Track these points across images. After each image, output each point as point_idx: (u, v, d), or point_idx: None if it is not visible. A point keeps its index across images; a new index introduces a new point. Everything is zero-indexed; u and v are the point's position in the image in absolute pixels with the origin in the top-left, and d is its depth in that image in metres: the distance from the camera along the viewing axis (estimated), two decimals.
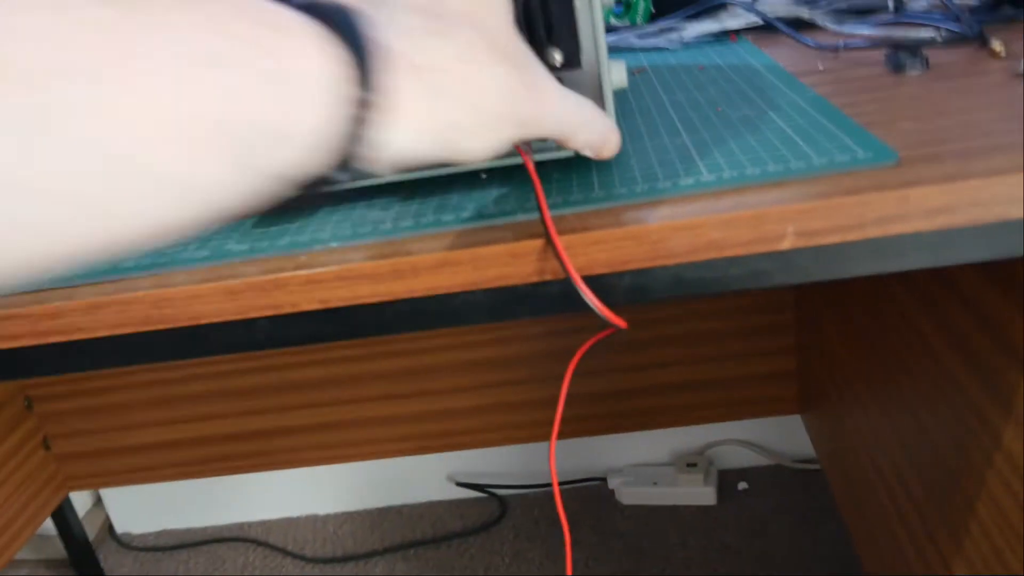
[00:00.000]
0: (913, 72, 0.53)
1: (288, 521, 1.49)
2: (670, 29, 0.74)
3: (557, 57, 0.39)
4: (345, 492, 1.48)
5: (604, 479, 1.39)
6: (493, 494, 1.44)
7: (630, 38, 0.73)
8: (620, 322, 0.37)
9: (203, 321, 0.40)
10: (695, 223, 0.37)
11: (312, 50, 0.25)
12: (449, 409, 1.31)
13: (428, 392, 1.29)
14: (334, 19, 0.26)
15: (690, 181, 0.40)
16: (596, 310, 0.37)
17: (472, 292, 0.39)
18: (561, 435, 1.32)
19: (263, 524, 1.50)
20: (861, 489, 0.92)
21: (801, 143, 0.42)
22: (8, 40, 0.18)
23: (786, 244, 0.37)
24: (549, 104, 0.34)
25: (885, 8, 0.69)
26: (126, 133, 0.20)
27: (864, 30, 0.64)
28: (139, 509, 1.51)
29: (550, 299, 0.40)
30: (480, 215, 0.41)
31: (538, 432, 1.33)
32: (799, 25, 0.69)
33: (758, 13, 0.67)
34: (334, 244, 0.41)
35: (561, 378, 1.25)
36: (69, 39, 0.19)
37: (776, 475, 1.36)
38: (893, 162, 0.39)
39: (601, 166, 0.44)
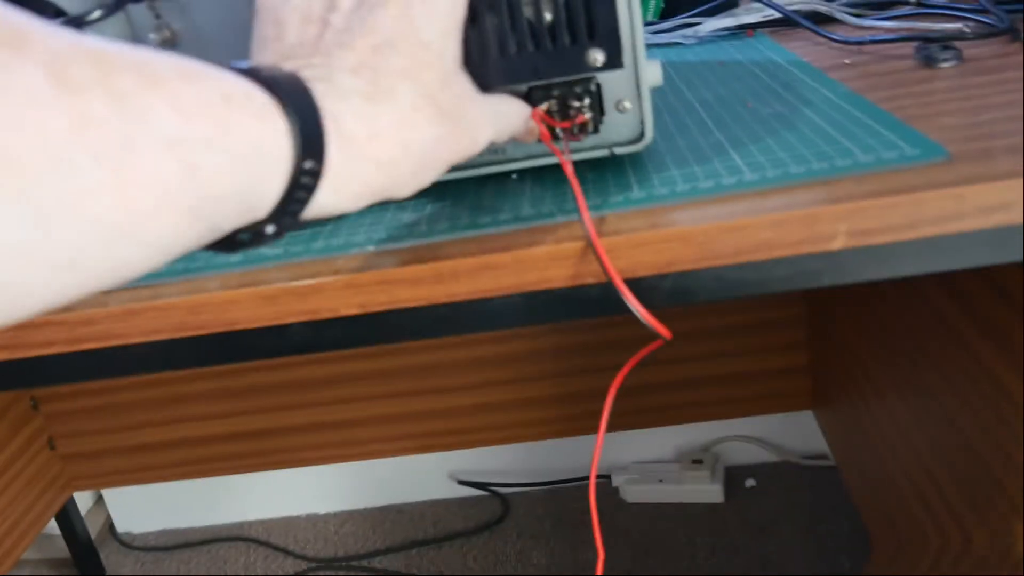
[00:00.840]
0: (946, 65, 0.52)
1: (289, 520, 1.48)
2: (685, 25, 0.73)
3: (599, 58, 0.38)
4: (346, 491, 1.47)
5: (608, 477, 1.39)
6: (496, 493, 1.43)
7: (644, 34, 0.72)
8: (665, 332, 0.37)
9: (239, 327, 0.39)
10: (745, 223, 0.36)
11: (261, 123, 0.27)
12: (451, 407, 1.30)
13: (429, 390, 1.29)
14: (280, 88, 0.28)
15: (733, 180, 0.40)
16: (640, 316, 0.36)
17: (510, 296, 0.39)
18: (565, 433, 1.32)
19: (264, 523, 1.48)
20: (879, 481, 0.92)
21: (842, 139, 0.42)
22: (17, 133, 0.21)
23: (838, 244, 0.37)
24: (481, 132, 0.36)
25: (906, 1, 0.68)
26: (122, 210, 0.23)
27: (887, 23, 0.64)
28: (140, 508, 1.50)
29: (590, 302, 0.39)
30: (517, 218, 0.40)
31: (541, 430, 1.32)
32: (817, 19, 0.68)
33: (776, 7, 0.66)
34: (371, 248, 0.40)
35: (567, 374, 1.25)
36: (72, 133, 0.22)
37: (784, 472, 1.36)
38: (944, 159, 0.38)
39: (637, 165, 0.44)
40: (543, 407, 1.30)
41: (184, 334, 0.39)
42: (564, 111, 0.41)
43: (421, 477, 1.44)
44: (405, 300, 0.38)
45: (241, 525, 1.49)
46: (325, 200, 0.30)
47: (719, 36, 0.70)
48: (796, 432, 1.34)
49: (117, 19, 0.41)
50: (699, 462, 1.34)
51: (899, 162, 0.38)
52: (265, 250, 0.42)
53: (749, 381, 1.23)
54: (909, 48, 0.58)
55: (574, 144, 0.43)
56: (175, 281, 0.40)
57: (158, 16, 0.41)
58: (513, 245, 0.37)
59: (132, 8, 0.41)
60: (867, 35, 0.62)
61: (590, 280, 0.38)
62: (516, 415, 1.30)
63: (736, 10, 0.71)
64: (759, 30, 0.70)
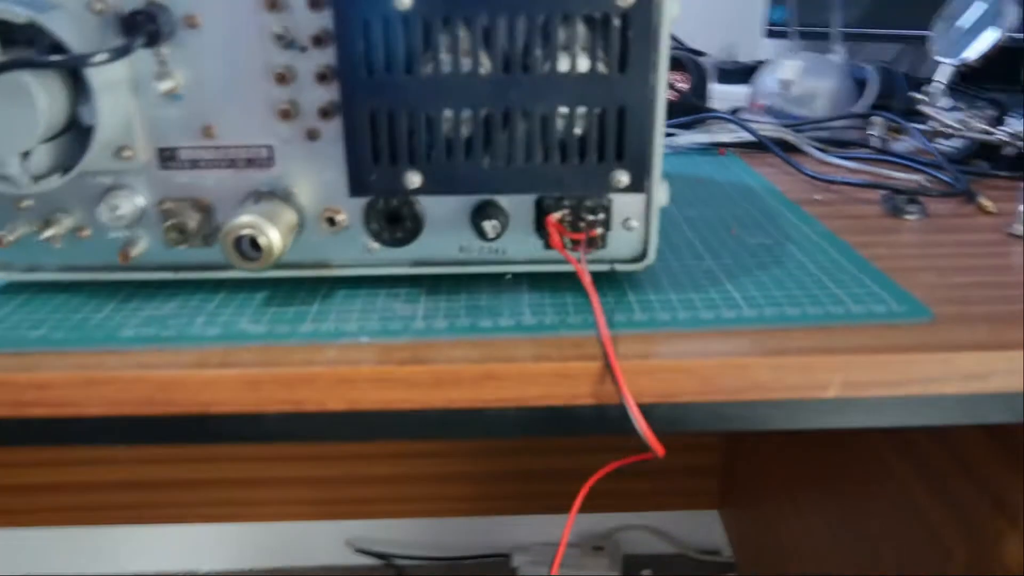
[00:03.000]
0: (911, 218, 0.55)
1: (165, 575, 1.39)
2: None
3: (624, 180, 0.38)
4: (231, 550, 1.39)
5: (508, 556, 1.37)
6: (393, 564, 1.38)
7: None
8: (660, 450, 0.36)
9: (212, 410, 0.36)
10: (745, 363, 0.37)
11: None
12: (358, 475, 1.26)
13: (337, 456, 1.24)
14: None
15: (732, 315, 0.40)
16: (644, 438, 0.36)
17: (506, 408, 0.37)
18: (472, 512, 1.29)
19: None
20: None
21: (832, 287, 0.43)
22: None
23: (831, 393, 0.37)
24: None
25: (865, 144, 0.72)
26: None
27: (848, 163, 0.67)
28: (3, 553, 1.38)
29: (585, 420, 0.38)
30: (520, 326, 0.39)
31: (448, 507, 1.29)
32: (784, 148, 0.71)
33: (751, 132, 0.68)
34: (364, 339, 0.38)
35: (480, 454, 1.23)
36: None
37: (679, 565, 1.37)
38: (928, 319, 0.40)
39: (634, 284, 0.44)
40: (448, 484, 1.27)
41: (149, 411, 0.36)
42: (575, 223, 0.41)
43: (315, 542, 1.38)
44: (399, 401, 0.36)
45: None
46: None
47: (692, 150, 0.72)
48: (696, 527, 1.36)
49: (120, 63, 0.39)
50: (600, 548, 1.34)
51: (888, 318, 0.40)
52: (246, 325, 0.39)
53: (659, 477, 1.24)
54: (874, 193, 0.60)
55: (575, 255, 0.42)
56: (144, 349, 0.37)
57: (163, 63, 0.39)
58: (517, 357, 0.36)
59: (137, 53, 0.39)
60: (833, 173, 0.65)
61: (589, 401, 0.37)
62: (421, 490, 1.27)
63: (711, 127, 0.73)
64: (730, 149, 0.72)
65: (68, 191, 0.41)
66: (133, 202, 0.42)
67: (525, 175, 0.39)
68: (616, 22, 0.36)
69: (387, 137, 0.38)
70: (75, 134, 0.40)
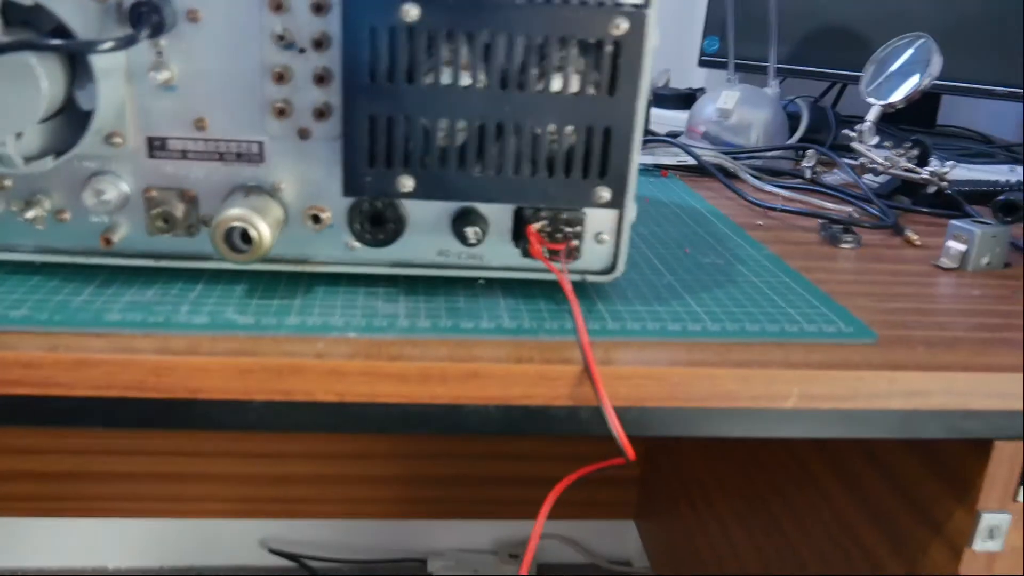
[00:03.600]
0: (847, 247, 0.59)
1: (70, 572, 1.34)
2: None
3: (605, 195, 0.41)
4: (141, 546, 1.35)
5: (424, 560, 1.37)
6: (306, 565, 1.37)
7: None
8: (632, 454, 0.39)
9: (200, 396, 0.37)
10: (715, 373, 0.40)
11: None
12: (271, 474, 1.25)
13: (258, 453, 1.23)
14: None
15: (698, 328, 0.43)
16: (618, 441, 0.38)
17: (486, 405, 0.39)
18: (390, 515, 1.30)
19: (39, 573, 1.34)
20: None
21: (785, 306, 0.46)
22: None
23: (789, 403, 0.41)
24: None
25: (796, 174, 0.77)
26: None
27: (783, 191, 0.72)
28: None
29: (559, 420, 0.40)
30: (500, 328, 0.41)
31: (361, 509, 1.29)
32: (723, 173, 0.75)
33: (695, 157, 0.72)
34: (351, 334, 0.39)
35: (405, 456, 1.23)
36: None
37: (592, 575, 1.40)
38: (872, 340, 0.43)
39: (604, 296, 0.46)
40: (370, 486, 1.27)
41: (138, 394, 0.37)
42: (552, 233, 0.43)
43: (228, 541, 1.35)
44: (385, 395, 0.38)
45: (14, 571, 1.33)
46: None
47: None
48: (610, 537, 1.40)
49: (118, 52, 0.39)
50: (516, 556, 1.36)
51: (837, 337, 0.43)
52: (232, 315, 0.40)
53: (577, 486, 1.27)
54: (810, 222, 0.65)
55: (556, 264, 0.45)
56: (135, 333, 0.38)
57: (160, 54, 0.40)
58: (502, 357, 0.38)
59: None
60: (769, 200, 0.69)
61: (566, 402, 0.39)
62: (341, 490, 1.27)
63: (656, 149, 0.77)
64: (672, 172, 0.76)
65: (55, 173, 0.41)
66: (118, 188, 0.42)
67: (512, 186, 0.41)
68: (609, 48, 0.38)
69: (384, 141, 0.39)
70: (66, 117, 0.40)
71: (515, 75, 0.39)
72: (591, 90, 0.39)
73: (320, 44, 0.40)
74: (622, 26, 0.38)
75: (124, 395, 0.37)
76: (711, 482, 0.97)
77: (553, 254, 0.43)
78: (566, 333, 0.41)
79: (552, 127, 0.40)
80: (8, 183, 0.41)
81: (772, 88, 0.82)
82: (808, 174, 0.74)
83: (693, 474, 1.03)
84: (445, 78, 0.38)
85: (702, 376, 0.39)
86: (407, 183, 0.40)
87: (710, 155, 0.76)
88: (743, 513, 0.87)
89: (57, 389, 0.36)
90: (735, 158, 0.77)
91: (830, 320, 0.45)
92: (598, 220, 0.44)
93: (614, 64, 0.39)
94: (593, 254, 0.45)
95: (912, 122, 0.97)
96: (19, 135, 0.38)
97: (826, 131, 0.84)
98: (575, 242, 0.43)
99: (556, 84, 0.39)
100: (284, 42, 0.40)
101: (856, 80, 0.86)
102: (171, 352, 0.37)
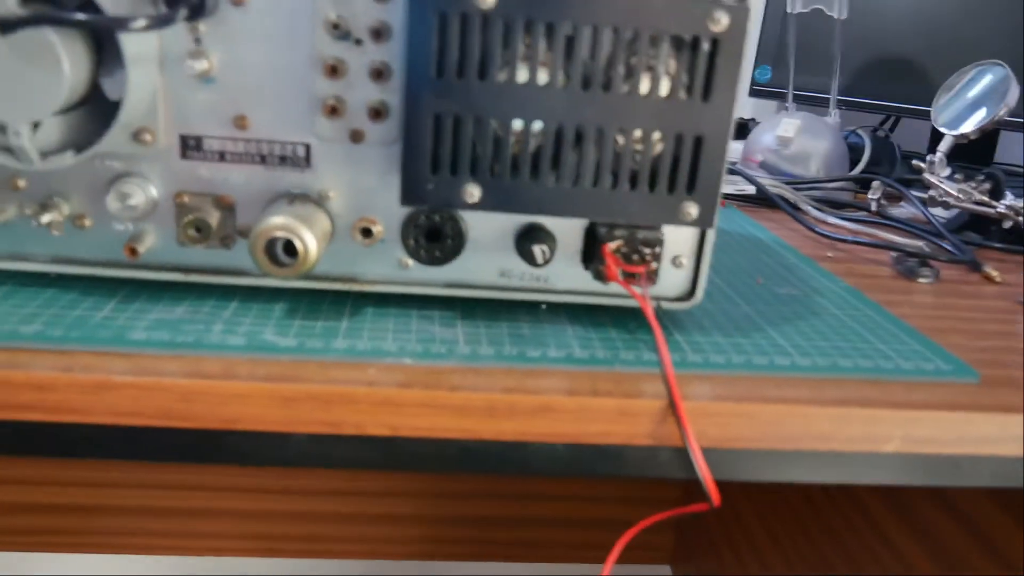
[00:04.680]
0: (925, 281, 0.55)
1: None
2: None
3: (692, 212, 0.36)
4: None
5: None
6: None
7: None
8: (717, 500, 0.34)
9: (236, 427, 0.32)
10: (808, 412, 0.35)
11: None
12: (293, 511, 1.19)
13: (286, 490, 1.18)
14: None
15: (786, 362, 0.38)
16: (704, 486, 0.33)
17: (554, 443, 0.35)
18: (408, 555, 1.24)
19: None
20: None
21: (875, 341, 0.42)
22: None
23: (891, 447, 0.36)
24: None
25: (858, 206, 0.72)
26: None
27: (847, 224, 0.67)
28: None
29: (636, 462, 0.36)
30: (570, 358, 0.36)
31: (384, 549, 1.23)
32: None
33: (760, 187, 0.68)
34: (407, 360, 0.35)
35: (438, 496, 1.18)
36: None
37: None
38: (974, 380, 0.39)
39: (679, 324, 0.42)
40: (398, 525, 1.22)
41: (164, 423, 0.32)
42: (628, 255, 0.38)
43: None
44: (445, 430, 0.33)
45: None
46: None
47: None
48: None
49: (152, 35, 0.35)
50: None
51: (936, 375, 0.39)
52: (271, 336, 0.35)
53: (613, 529, 1.21)
54: (881, 254, 0.60)
55: (619, 288, 0.40)
56: (162, 354, 0.33)
57: (199, 41, 0.36)
58: (576, 390, 0.34)
59: (172, 26, 0.36)
60: (834, 232, 0.65)
61: (646, 441, 0.34)
62: (368, 530, 1.21)
63: None
64: (730, 201, 0.71)
65: (74, 173, 0.37)
66: (146, 192, 0.38)
67: (589, 199, 0.36)
68: (706, 46, 0.34)
69: (450, 145, 0.35)
70: (89, 109, 0.36)
71: (599, 74, 0.34)
72: (683, 93, 0.35)
73: (379, 34, 0.36)
74: (722, 21, 0.34)
75: (148, 424, 0.32)
76: (756, 525, 0.91)
77: (630, 277, 0.38)
78: (643, 364, 0.36)
79: (638, 134, 0.35)
80: (22, 183, 0.37)
81: (833, 118, 0.78)
82: (874, 206, 0.69)
83: (737, 516, 0.97)
84: (521, 75, 0.34)
85: (794, 415, 0.35)
86: (473, 193, 0.36)
87: (770, 184, 0.72)
88: (793, 560, 0.81)
89: (72, 415, 0.32)
90: (796, 188, 0.73)
91: (926, 357, 0.40)
92: (677, 241, 0.40)
93: (711, 64, 0.35)
94: (669, 278, 0.40)
95: (968, 159, 0.93)
96: (36, 125, 0.34)
97: (887, 163, 0.80)
98: (654, 264, 0.38)
99: (644, 86, 0.35)
100: (339, 31, 0.36)
101: (912, 112, 0.82)
102: (203, 376, 0.32)
